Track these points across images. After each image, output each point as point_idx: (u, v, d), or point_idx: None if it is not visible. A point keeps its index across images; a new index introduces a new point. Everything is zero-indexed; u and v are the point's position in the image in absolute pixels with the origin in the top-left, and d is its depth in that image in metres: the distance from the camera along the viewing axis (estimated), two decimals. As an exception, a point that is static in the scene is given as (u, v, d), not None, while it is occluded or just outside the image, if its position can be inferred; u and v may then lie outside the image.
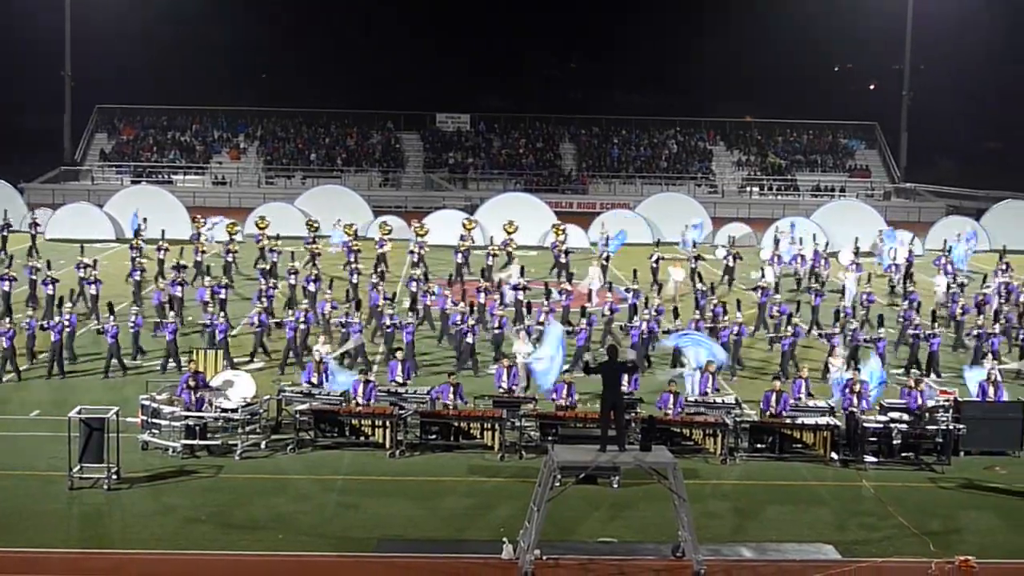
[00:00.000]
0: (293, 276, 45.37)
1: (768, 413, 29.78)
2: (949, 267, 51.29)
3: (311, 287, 43.88)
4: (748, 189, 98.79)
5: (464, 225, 58.04)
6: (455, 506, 25.32)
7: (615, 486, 26.09)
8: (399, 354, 32.43)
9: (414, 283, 44.08)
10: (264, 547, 22.84)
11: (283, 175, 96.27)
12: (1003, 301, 45.28)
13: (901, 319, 41.04)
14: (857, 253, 52.23)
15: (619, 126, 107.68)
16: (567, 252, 53.27)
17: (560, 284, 44.51)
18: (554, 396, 30.08)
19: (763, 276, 47.91)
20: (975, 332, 38.76)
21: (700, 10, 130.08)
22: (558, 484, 22.05)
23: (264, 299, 40.57)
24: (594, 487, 25.66)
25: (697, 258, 51.54)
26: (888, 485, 27.21)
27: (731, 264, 52.43)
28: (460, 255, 52.33)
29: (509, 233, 56.25)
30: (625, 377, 27.40)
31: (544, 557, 22.04)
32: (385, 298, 40.19)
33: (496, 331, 37.44)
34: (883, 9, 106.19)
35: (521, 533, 22.23)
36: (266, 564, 22.30)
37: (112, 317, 36.35)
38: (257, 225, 56.68)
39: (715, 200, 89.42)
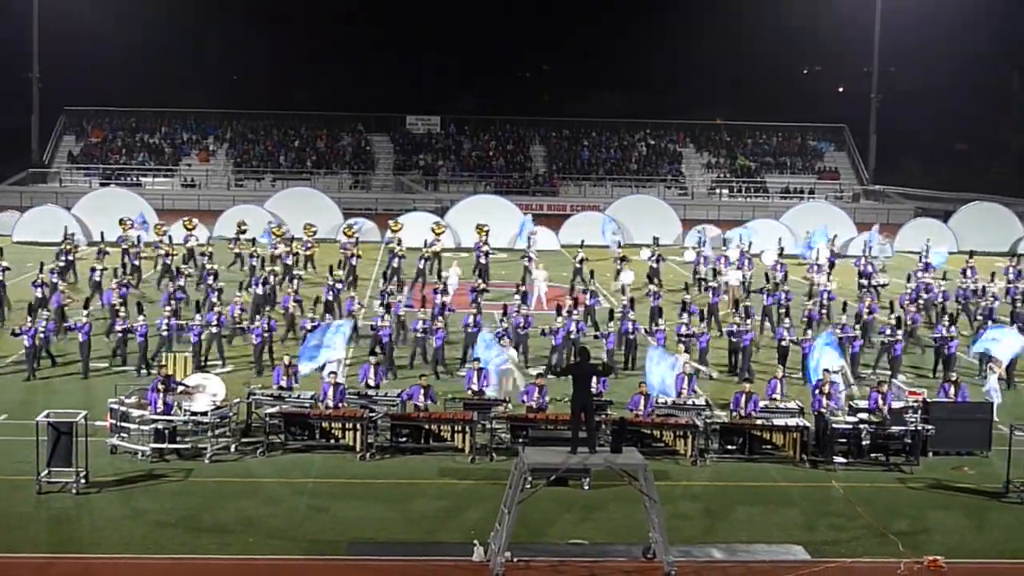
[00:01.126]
0: (211, 278, 45.13)
1: (737, 414, 29.85)
2: (869, 267, 51.67)
3: (258, 290, 43.70)
4: (718, 191, 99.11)
5: (391, 227, 58.25)
6: (426, 509, 25.28)
7: (586, 488, 26.12)
8: (372, 358, 32.40)
9: (337, 285, 44.25)
10: (234, 551, 22.76)
11: (253, 177, 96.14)
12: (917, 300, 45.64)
13: (805, 318, 41.40)
14: (782, 254, 52.57)
15: (589, 128, 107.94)
16: (487, 253, 53.58)
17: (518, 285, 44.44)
18: (525, 398, 30.13)
19: (716, 276, 48.20)
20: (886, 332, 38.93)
21: (670, 12, 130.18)
22: (529, 486, 22.07)
23: (173, 301, 40.32)
24: (565, 489, 25.70)
25: (622, 259, 51.62)
26: (857, 486, 27.32)
27: (655, 265, 52.47)
28: (397, 259, 52.12)
29: (437, 234, 56.58)
30: (594, 379, 27.43)
31: (515, 559, 22.05)
32: (296, 300, 40.63)
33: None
34: (852, 12, 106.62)
35: (492, 535, 22.23)
36: (236, 568, 22.23)
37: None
38: (185, 226, 56.57)
39: (685, 202, 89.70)
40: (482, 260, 52.92)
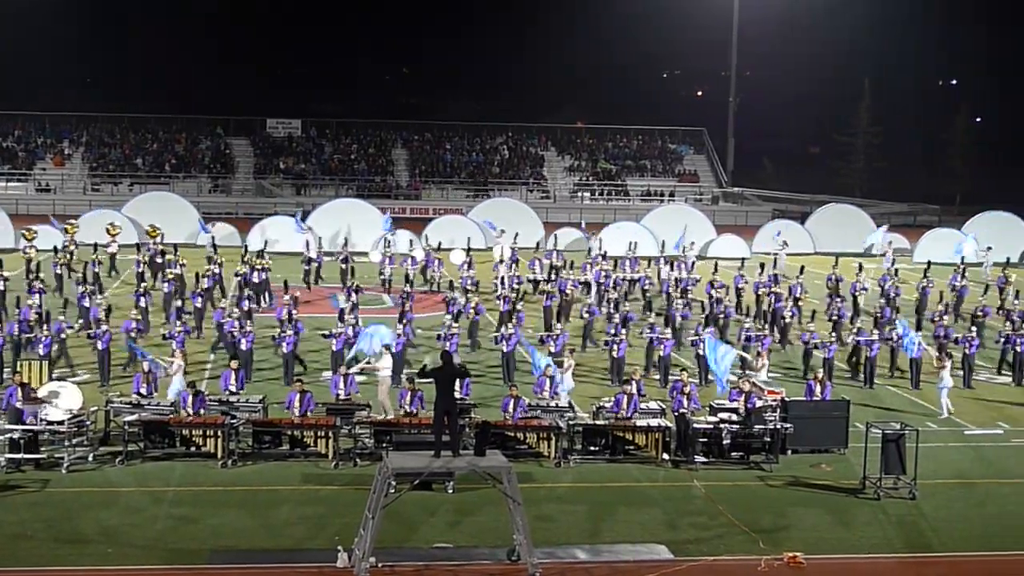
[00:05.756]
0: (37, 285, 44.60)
1: (618, 415, 30.01)
2: (683, 266, 53.02)
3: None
4: (579, 194, 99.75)
5: (67, 229, 58.31)
6: (289, 515, 25.07)
7: (450, 491, 26.11)
8: (233, 363, 32.14)
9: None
10: (93, 562, 22.36)
11: (109, 181, 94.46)
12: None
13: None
14: (514, 252, 53.59)
15: (451, 132, 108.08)
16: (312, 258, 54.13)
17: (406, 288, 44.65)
18: (400, 402, 30.04)
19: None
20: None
21: (529, 15, 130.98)
22: (393, 491, 22.01)
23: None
24: (429, 493, 25.67)
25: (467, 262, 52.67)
26: (718, 484, 27.65)
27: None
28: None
29: (112, 235, 56.80)
30: (457, 382, 27.42)
31: (380, 564, 21.97)
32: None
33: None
34: (710, 17, 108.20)
35: (356, 541, 22.12)
36: (95, 579, 21.88)
37: None
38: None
39: (547, 205, 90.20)
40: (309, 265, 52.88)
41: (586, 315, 42.01)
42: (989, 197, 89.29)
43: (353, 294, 42.52)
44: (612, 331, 38.12)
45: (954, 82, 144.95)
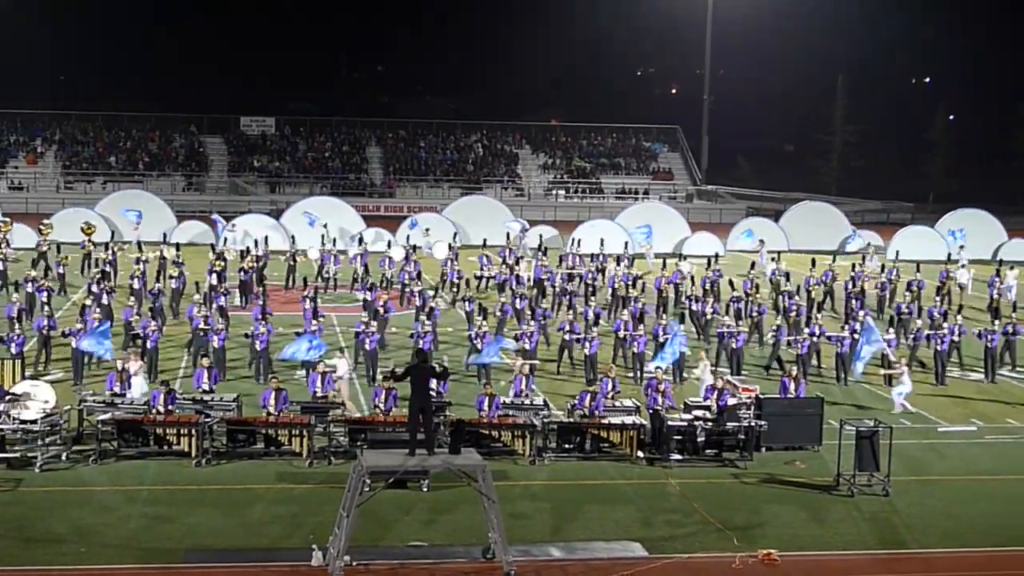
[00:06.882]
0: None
1: (581, 412, 30.03)
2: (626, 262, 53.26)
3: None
4: (554, 192, 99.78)
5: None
6: (263, 514, 25.00)
7: (425, 490, 26.08)
8: (205, 361, 32.06)
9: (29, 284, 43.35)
10: (67, 561, 22.26)
11: (83, 180, 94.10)
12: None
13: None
14: (452, 249, 53.80)
15: (425, 130, 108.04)
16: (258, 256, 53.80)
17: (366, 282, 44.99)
18: (374, 401, 29.98)
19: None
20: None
21: (504, 14, 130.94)
22: (367, 489, 21.98)
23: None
24: (404, 491, 25.61)
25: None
26: (693, 482, 27.68)
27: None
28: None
29: (44, 234, 56.51)
30: (434, 381, 27.40)
31: (354, 563, 21.94)
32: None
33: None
34: (684, 15, 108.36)
35: (331, 539, 22.09)
36: (69, 579, 21.79)
37: None
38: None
39: (522, 203, 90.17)
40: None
41: (498, 313, 42.05)
42: (963, 196, 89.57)
43: (367, 292, 43.24)
44: (583, 328, 38.14)
45: (928, 80, 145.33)
